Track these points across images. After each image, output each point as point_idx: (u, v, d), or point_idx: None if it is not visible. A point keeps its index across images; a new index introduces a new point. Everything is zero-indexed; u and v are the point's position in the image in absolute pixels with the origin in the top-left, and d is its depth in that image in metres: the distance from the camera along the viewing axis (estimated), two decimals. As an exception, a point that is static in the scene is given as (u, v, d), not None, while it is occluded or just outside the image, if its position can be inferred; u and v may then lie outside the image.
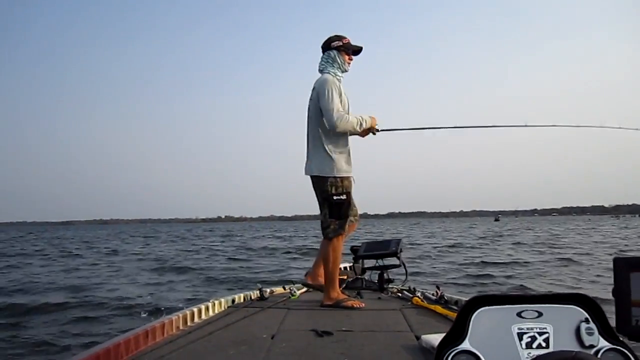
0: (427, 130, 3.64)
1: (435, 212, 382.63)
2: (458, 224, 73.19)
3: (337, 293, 3.25)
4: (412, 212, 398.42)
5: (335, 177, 3.19)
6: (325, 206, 3.22)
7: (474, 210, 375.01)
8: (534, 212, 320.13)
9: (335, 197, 3.18)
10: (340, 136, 3.24)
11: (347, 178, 3.24)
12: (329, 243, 3.24)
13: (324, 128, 3.23)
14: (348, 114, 3.24)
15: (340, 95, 3.23)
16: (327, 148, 3.21)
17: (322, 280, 3.37)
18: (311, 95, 3.34)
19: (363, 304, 3.19)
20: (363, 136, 3.41)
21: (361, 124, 3.23)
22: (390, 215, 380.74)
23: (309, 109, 3.34)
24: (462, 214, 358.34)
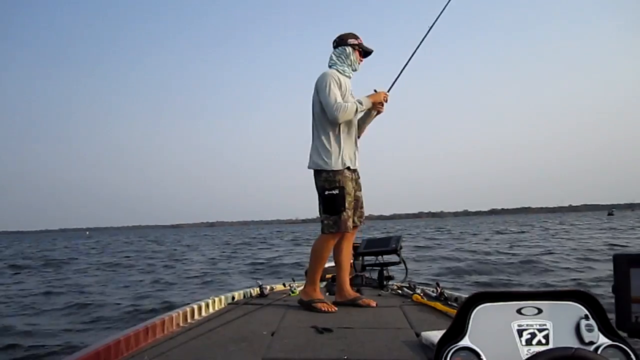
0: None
1: (541, 208, 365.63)
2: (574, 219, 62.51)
3: (314, 291, 3.16)
4: (516, 208, 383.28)
5: (328, 171, 3.12)
6: (320, 201, 3.18)
7: (585, 205, 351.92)
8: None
9: (327, 192, 3.11)
10: (339, 131, 3.16)
11: (342, 172, 3.13)
12: (318, 238, 3.20)
13: (322, 122, 3.17)
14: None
15: (342, 89, 3.17)
16: (324, 142, 3.15)
17: (349, 294, 3.28)
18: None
19: (335, 309, 3.04)
20: (379, 111, 3.34)
21: (359, 106, 3.15)
22: (493, 212, 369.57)
23: (312, 103, 3.28)
24: (571, 209, 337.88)
